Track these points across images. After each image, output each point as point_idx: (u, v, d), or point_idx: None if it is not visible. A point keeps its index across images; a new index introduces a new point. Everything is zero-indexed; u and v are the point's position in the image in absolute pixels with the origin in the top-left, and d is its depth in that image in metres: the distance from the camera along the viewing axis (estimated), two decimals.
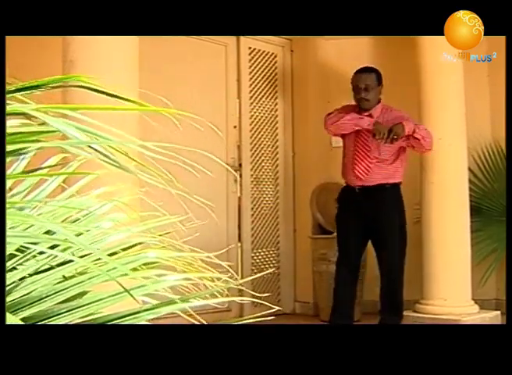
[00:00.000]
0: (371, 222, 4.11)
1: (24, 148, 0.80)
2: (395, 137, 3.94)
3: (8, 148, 0.75)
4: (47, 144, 0.75)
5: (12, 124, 0.78)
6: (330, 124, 4.18)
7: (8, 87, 0.79)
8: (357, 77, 4.19)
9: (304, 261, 5.29)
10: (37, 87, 0.81)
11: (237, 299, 1.02)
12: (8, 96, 0.77)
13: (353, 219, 4.15)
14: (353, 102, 4.28)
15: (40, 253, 0.95)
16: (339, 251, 4.27)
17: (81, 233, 1.06)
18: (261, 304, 1.07)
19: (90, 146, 0.77)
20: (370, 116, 4.10)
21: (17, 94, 0.79)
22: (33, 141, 0.75)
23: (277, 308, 1.25)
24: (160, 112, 0.83)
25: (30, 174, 1.00)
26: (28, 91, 0.81)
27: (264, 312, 0.97)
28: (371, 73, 4.18)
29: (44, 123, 0.73)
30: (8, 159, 0.87)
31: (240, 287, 1.08)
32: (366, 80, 4.13)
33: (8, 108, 0.74)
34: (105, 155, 0.77)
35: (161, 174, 0.81)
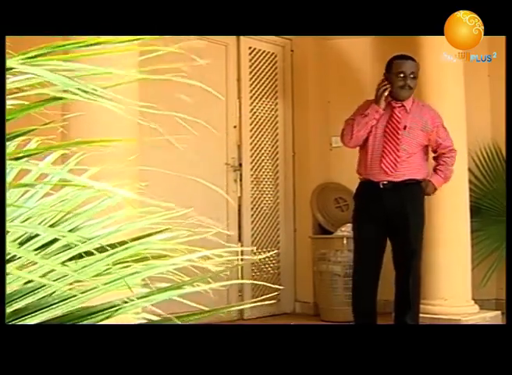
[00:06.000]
0: (395, 220, 3.78)
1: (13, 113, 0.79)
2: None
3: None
4: (33, 92, 0.73)
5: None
6: (348, 141, 3.93)
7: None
8: (402, 63, 3.84)
9: (304, 261, 5.29)
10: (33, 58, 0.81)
11: (237, 282, 1.01)
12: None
13: (376, 217, 3.80)
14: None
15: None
16: (358, 254, 3.94)
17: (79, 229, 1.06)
18: (261, 303, 1.07)
19: (79, 89, 0.75)
20: (403, 106, 3.85)
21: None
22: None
23: (277, 291, 1.24)
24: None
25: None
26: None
27: (264, 296, 0.96)
28: (415, 61, 3.89)
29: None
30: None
31: (240, 264, 1.06)
32: (413, 68, 3.84)
33: None
34: (97, 95, 0.76)
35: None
